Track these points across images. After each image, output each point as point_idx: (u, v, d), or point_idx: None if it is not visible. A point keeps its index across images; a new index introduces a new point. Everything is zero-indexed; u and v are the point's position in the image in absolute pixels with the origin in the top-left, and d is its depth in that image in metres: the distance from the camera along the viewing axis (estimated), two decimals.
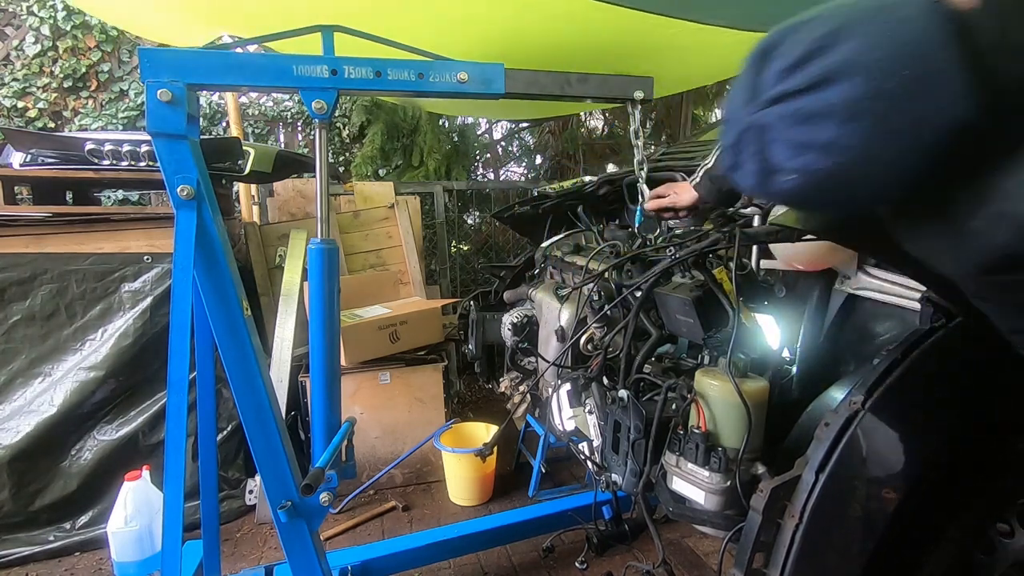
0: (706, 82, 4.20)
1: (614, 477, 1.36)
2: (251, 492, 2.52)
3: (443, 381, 2.77)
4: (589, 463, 1.61)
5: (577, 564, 2.09)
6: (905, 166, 0.64)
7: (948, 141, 0.61)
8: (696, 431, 1.13)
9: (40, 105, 3.80)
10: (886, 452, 0.93)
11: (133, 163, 2.24)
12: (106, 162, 2.25)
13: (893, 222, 0.77)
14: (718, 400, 1.13)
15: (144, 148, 2.21)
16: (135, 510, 1.94)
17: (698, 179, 1.52)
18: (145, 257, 2.37)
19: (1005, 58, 0.61)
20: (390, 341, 2.64)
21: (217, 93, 3.97)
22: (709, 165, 1.48)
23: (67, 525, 2.28)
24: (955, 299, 0.95)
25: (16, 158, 2.40)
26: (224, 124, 4.07)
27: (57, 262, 2.30)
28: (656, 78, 1.55)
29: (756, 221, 1.38)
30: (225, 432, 2.50)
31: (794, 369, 1.37)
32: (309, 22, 1.37)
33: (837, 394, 1.13)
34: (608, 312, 1.49)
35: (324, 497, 1.34)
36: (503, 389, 2.14)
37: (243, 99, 4.12)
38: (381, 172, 4.46)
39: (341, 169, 4.34)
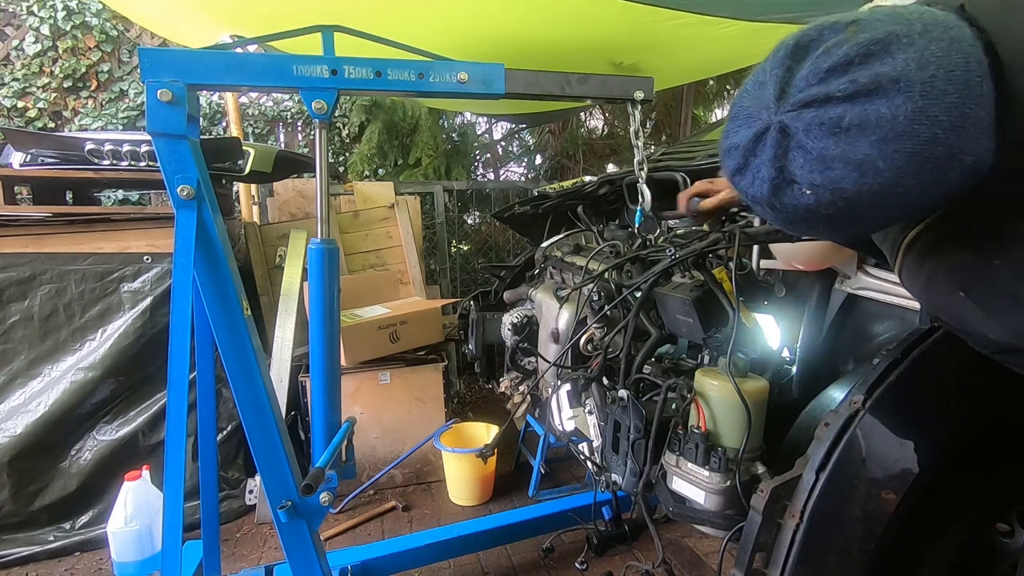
0: (709, 74, 4.19)
1: (614, 477, 1.36)
2: (251, 492, 2.52)
3: (443, 381, 2.77)
4: (589, 463, 1.61)
5: (577, 564, 2.09)
6: (923, 202, 0.59)
7: (967, 184, 0.57)
8: (696, 431, 1.13)
9: (40, 105, 3.79)
10: (886, 452, 0.93)
11: (133, 163, 2.24)
12: (106, 162, 2.25)
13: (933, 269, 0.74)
14: (718, 400, 1.13)
15: (144, 148, 2.21)
16: (135, 510, 1.94)
17: None
18: (145, 257, 2.37)
19: None
20: (390, 341, 2.64)
21: (217, 93, 3.97)
22: None
23: (67, 525, 2.28)
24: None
25: (16, 158, 2.40)
26: (224, 124, 4.07)
27: (56, 262, 2.30)
28: (658, 70, 1.54)
29: (756, 221, 1.38)
30: (225, 432, 2.50)
31: (794, 369, 1.37)
32: (309, 22, 1.37)
33: (837, 394, 1.13)
34: (608, 312, 1.49)
35: (324, 497, 1.34)
36: (503, 389, 2.13)
37: (243, 99, 4.12)
38: (380, 172, 4.46)
39: (341, 169, 4.34)
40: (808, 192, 0.59)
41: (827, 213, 0.60)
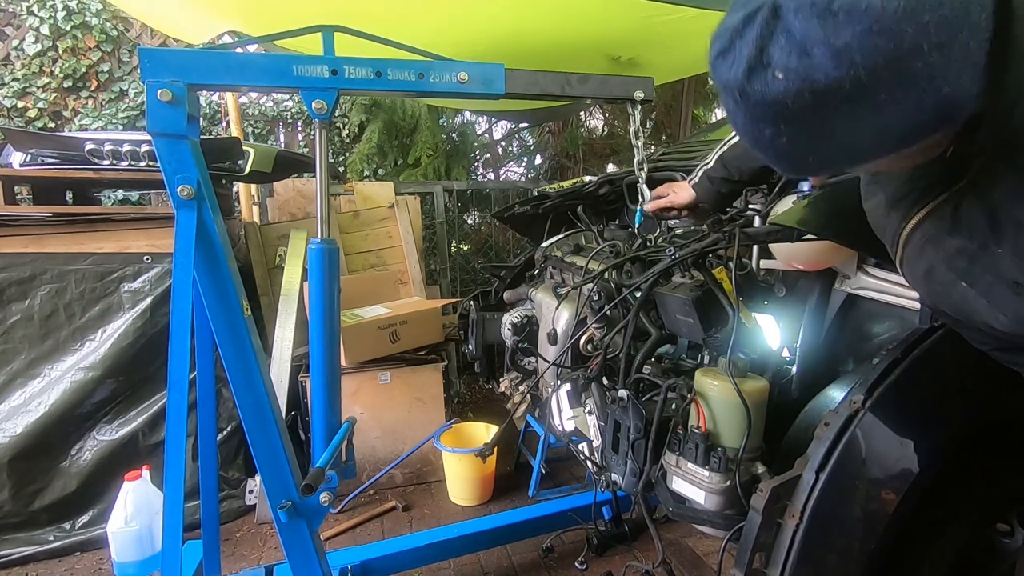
0: (706, 69, 4.20)
1: (614, 477, 1.36)
2: (251, 492, 2.52)
3: (443, 381, 2.77)
4: (589, 463, 1.61)
5: (577, 564, 2.09)
6: (893, 129, 0.57)
7: (941, 124, 0.55)
8: (696, 431, 1.13)
9: (40, 105, 3.79)
10: (886, 452, 0.93)
11: (133, 163, 2.24)
12: (106, 162, 2.25)
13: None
14: (718, 400, 1.13)
15: (144, 148, 2.21)
16: (135, 510, 1.93)
17: (696, 179, 1.51)
18: (145, 257, 2.37)
19: None
20: (390, 341, 2.64)
21: (217, 93, 3.97)
22: (709, 165, 1.48)
23: (67, 525, 2.28)
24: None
25: (16, 158, 2.40)
26: (224, 124, 4.07)
27: (57, 262, 2.30)
28: (657, 66, 1.54)
29: (756, 221, 1.38)
30: (225, 432, 2.50)
31: (794, 369, 1.37)
32: (309, 21, 1.37)
33: (837, 394, 1.13)
34: (608, 312, 1.49)
35: (324, 497, 1.34)
36: (503, 389, 2.13)
37: (243, 99, 4.12)
38: (380, 172, 4.46)
39: (341, 169, 4.34)
40: (780, 76, 0.56)
41: (793, 107, 0.57)
